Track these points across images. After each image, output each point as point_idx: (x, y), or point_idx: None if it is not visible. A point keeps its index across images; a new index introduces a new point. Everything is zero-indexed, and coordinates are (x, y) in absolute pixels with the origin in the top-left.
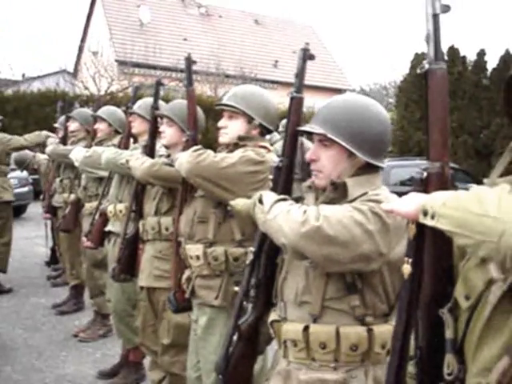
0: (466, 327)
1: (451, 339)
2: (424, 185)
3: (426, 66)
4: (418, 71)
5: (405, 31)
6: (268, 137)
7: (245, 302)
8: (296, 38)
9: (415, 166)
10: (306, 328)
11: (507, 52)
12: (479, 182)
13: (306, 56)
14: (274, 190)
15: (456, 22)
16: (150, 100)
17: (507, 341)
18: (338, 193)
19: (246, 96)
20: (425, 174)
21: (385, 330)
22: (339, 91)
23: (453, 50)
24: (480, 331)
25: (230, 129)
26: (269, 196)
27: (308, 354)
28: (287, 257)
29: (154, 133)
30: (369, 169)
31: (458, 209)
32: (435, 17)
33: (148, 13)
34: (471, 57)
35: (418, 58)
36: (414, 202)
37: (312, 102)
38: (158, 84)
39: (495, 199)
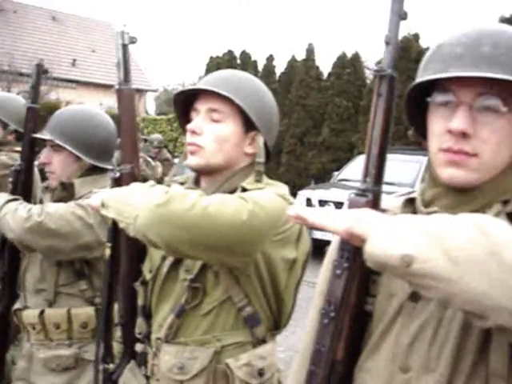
0: (150, 295)
1: (142, 306)
2: (118, 182)
3: (117, 87)
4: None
5: (201, 33)
6: None
7: None
8: (95, 36)
9: None
10: (42, 312)
11: (293, 58)
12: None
13: (40, 71)
14: (13, 191)
15: (248, 28)
16: None
17: (173, 303)
18: (67, 192)
19: (1, 102)
20: (118, 173)
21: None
22: (139, 91)
23: (245, 55)
24: (157, 297)
25: None
26: (1, 197)
27: (45, 335)
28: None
29: None
30: (96, 170)
31: (117, 200)
32: (124, 47)
33: None
34: (261, 61)
35: (213, 62)
36: (98, 197)
37: (112, 101)
38: None
39: (139, 191)
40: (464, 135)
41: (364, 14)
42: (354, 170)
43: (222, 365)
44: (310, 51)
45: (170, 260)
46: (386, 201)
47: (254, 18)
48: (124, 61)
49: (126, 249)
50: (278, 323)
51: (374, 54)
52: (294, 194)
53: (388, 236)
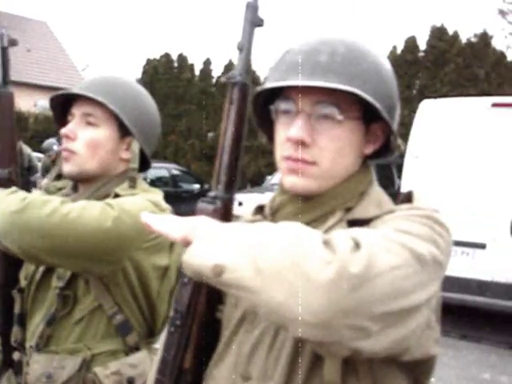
0: (26, 303)
1: (18, 314)
2: None
3: None
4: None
5: (139, 34)
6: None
7: None
8: (30, 35)
9: None
10: None
11: (230, 62)
12: (203, 182)
13: None
14: None
15: (185, 31)
16: None
17: (46, 311)
18: None
19: None
20: None
21: None
22: None
23: (182, 58)
24: (30, 304)
25: None
26: None
27: None
28: None
29: None
30: None
31: None
32: (3, 49)
33: None
34: (198, 65)
35: (150, 64)
36: None
37: (47, 102)
38: None
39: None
40: (302, 143)
41: (297, 19)
42: None
43: (92, 374)
44: None
45: (43, 267)
46: (242, 208)
47: (192, 21)
48: (3, 63)
49: (3, 255)
50: (152, 330)
51: None
52: None
53: (205, 245)
